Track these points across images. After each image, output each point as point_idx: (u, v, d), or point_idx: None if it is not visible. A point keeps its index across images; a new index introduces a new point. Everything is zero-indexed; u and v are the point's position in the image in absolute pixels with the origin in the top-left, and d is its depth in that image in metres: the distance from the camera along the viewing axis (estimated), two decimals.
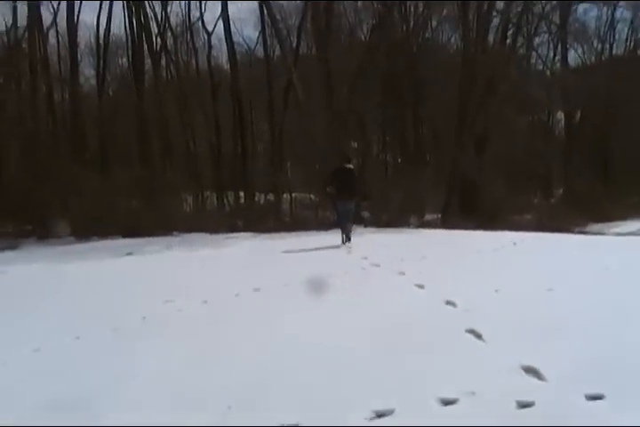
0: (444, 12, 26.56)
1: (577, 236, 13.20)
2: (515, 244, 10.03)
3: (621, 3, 30.09)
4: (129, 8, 24.49)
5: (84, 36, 27.59)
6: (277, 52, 26.30)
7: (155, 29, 25.92)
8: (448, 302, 5.32)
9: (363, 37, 27.63)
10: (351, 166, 11.24)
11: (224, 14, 24.91)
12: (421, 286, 6.11)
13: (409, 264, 7.63)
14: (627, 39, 31.56)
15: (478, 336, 4.33)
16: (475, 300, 5.36)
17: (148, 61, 25.73)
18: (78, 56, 25.28)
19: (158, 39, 26.33)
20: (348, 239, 10.73)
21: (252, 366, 3.91)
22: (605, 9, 30.91)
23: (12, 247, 14.38)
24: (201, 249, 11.66)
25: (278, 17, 23.75)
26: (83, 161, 20.83)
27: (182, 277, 7.69)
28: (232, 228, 16.83)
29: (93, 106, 25.84)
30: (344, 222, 11.03)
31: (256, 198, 24.16)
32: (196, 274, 7.88)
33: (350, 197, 10.85)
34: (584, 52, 32.57)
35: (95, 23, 25.79)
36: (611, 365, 3.63)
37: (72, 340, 4.77)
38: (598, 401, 3.16)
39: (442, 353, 4.01)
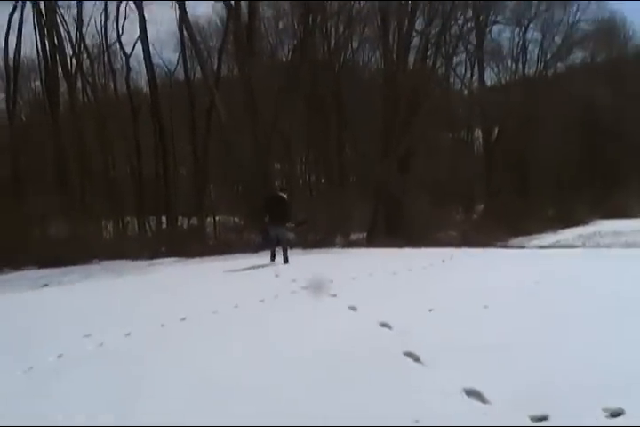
0: (365, 32, 26.97)
1: (501, 250, 13.48)
2: (443, 261, 10.07)
3: (531, 25, 31.77)
4: (40, 28, 23.52)
5: None
6: (198, 74, 25.95)
7: (69, 51, 25.08)
8: (383, 325, 5.18)
9: (284, 59, 27.71)
10: (284, 195, 11.77)
11: (142, 35, 24.33)
12: (354, 308, 5.95)
13: (339, 286, 7.46)
14: (537, 59, 33.04)
15: (416, 359, 4.21)
16: (410, 320, 5.25)
17: (63, 84, 24.79)
18: None
19: (73, 60, 25.45)
20: (286, 260, 11.20)
21: (173, 412, 3.58)
22: (517, 30, 32.41)
23: None
24: (123, 277, 11.22)
25: (198, 38, 23.49)
26: None
27: (103, 307, 7.24)
28: (155, 253, 16.32)
29: (4, 131, 24.68)
30: (272, 243, 11.46)
31: (179, 222, 23.64)
32: (118, 304, 7.46)
33: (282, 222, 11.23)
34: (499, 72, 33.96)
35: (3, 43, 24.74)
36: (555, 384, 3.56)
37: None
38: (544, 422, 3.09)
39: (380, 381, 3.84)
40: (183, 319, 5.98)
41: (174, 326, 5.78)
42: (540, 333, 4.67)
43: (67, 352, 5.03)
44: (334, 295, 6.80)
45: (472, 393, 3.51)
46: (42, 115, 25.32)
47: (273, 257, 11.34)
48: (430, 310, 5.65)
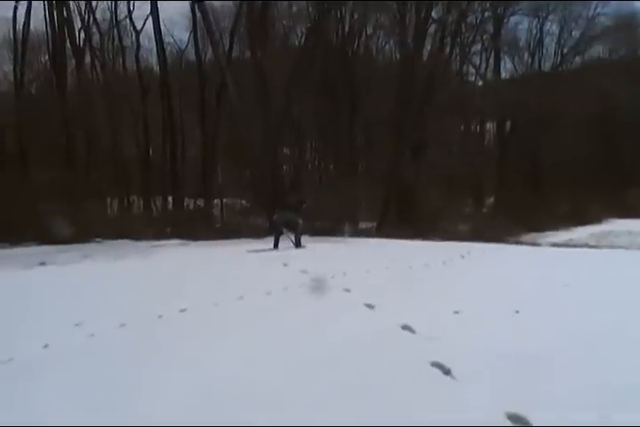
0: (381, 18, 26.23)
1: (518, 247, 12.85)
2: (462, 256, 9.46)
3: (550, 17, 30.88)
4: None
5: (2, 29, 25.88)
6: (209, 55, 25.30)
7: (78, 24, 24.46)
8: (405, 327, 4.59)
9: (297, 43, 27.01)
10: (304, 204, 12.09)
11: (154, 12, 23.73)
12: (371, 306, 5.36)
13: (353, 279, 6.90)
14: (554, 53, 32.32)
15: (446, 372, 3.61)
16: (434, 324, 4.67)
17: (72, 62, 24.13)
18: None
19: (82, 34, 24.82)
20: (298, 244, 11.42)
21: (165, 417, 3.04)
22: (535, 23, 31.57)
23: None
24: (123, 259, 10.63)
25: (211, 18, 22.81)
26: None
27: (99, 292, 6.67)
28: (159, 234, 15.85)
29: (12, 104, 24.07)
30: (278, 229, 11.68)
31: (185, 204, 23.15)
32: (114, 289, 6.87)
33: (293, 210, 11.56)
34: (514, 64, 33.13)
35: (12, 16, 24.09)
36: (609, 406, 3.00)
37: None
38: None
39: (405, 395, 3.26)
40: (183, 311, 5.40)
41: (172, 317, 5.19)
42: (588, 348, 4.08)
43: (53, 342, 4.43)
44: (348, 290, 6.21)
45: (516, 419, 2.95)
46: (49, 89, 24.66)
47: (276, 244, 11.32)
48: (456, 313, 5.06)
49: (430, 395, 3.29)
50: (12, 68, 25.13)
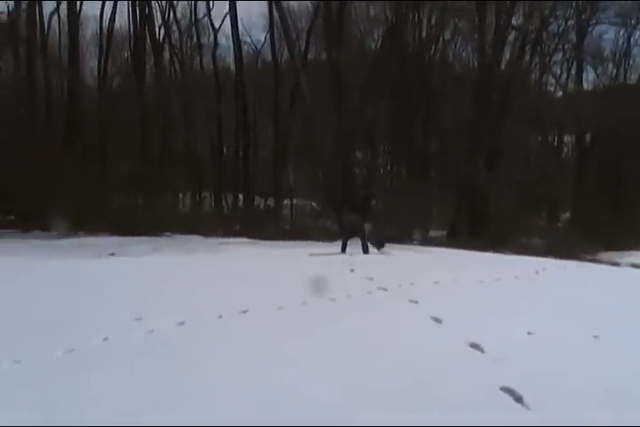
0: (459, 23, 25.64)
1: (596, 265, 12.14)
2: (537, 272, 8.99)
3: (639, 26, 29.33)
4: None
5: (90, 26, 26.87)
6: (285, 55, 25.41)
7: (159, 21, 25.16)
8: (473, 345, 4.31)
9: (373, 46, 26.76)
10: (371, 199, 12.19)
11: (232, 11, 24.06)
12: (438, 320, 5.09)
13: (421, 290, 6.64)
14: None
15: (518, 399, 3.31)
16: (504, 344, 4.37)
17: (151, 59, 24.74)
18: (80, 45, 24.38)
19: (162, 31, 25.47)
20: (365, 250, 11.16)
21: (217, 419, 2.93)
22: (622, 32, 30.13)
23: None
24: (191, 254, 10.71)
25: (288, 18, 22.89)
26: (77, 153, 19.80)
27: (163, 287, 6.66)
28: (229, 232, 15.95)
29: (95, 97, 24.87)
30: (348, 233, 11.50)
31: (255, 202, 23.31)
32: (179, 285, 6.87)
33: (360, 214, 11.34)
34: (597, 76, 31.69)
35: (99, 13, 24.98)
36: None
37: (10, 364, 3.72)
38: None
39: (474, 420, 3.00)
40: (244, 312, 5.28)
41: (233, 318, 5.10)
42: None
43: (113, 336, 4.42)
44: (415, 302, 5.94)
45: None
46: (129, 85, 25.35)
47: (344, 248, 11.18)
48: (529, 333, 4.71)
49: (498, 422, 3.01)
50: (97, 63, 26.06)
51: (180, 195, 23.98)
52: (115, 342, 4.31)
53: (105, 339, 4.36)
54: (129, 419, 2.91)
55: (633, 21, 29.02)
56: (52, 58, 24.17)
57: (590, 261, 14.02)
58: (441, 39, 27.09)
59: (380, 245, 11.72)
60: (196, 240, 14.03)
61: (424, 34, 25.54)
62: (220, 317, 5.10)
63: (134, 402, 3.15)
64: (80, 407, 3.06)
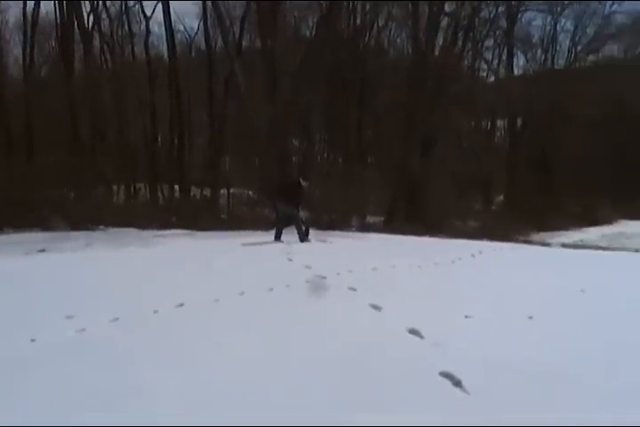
0: (393, 10, 25.81)
1: (530, 247, 12.47)
2: (473, 255, 9.13)
3: (564, 13, 30.24)
4: None
5: (13, 12, 25.78)
6: (219, 43, 25.02)
7: (87, 8, 24.24)
8: (412, 331, 4.33)
9: (308, 34, 26.65)
10: (303, 183, 11.56)
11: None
12: (377, 308, 5.08)
13: (359, 277, 6.62)
14: (568, 51, 31.78)
15: (457, 383, 3.34)
16: (443, 329, 4.41)
17: (80, 48, 23.83)
18: (2, 32, 23.39)
19: (91, 17, 24.58)
20: (302, 239, 11.05)
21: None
22: (549, 19, 31.00)
23: None
24: (125, 248, 10.39)
25: (222, 6, 22.48)
26: (2, 145, 18.98)
27: (95, 283, 6.41)
28: (165, 224, 15.63)
29: (21, 88, 23.85)
30: (281, 222, 11.41)
31: (192, 193, 22.93)
32: (113, 280, 6.62)
33: (292, 202, 11.17)
34: (527, 61, 32.59)
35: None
36: None
37: None
38: None
39: (412, 406, 3.02)
40: (180, 306, 5.15)
41: (169, 313, 4.94)
42: (608, 359, 3.81)
43: (41, 337, 4.20)
44: (354, 289, 5.93)
45: None
46: (57, 74, 24.42)
47: (277, 236, 11.23)
48: (466, 317, 4.78)
49: (438, 407, 3.05)
50: (21, 51, 24.95)
51: (114, 187, 23.31)
52: (43, 343, 4.10)
53: (32, 340, 4.16)
54: (57, 419, 2.79)
55: (559, 8, 29.94)
56: None
57: (524, 242, 14.39)
58: (375, 26, 27.32)
59: (304, 235, 11.24)
60: (131, 233, 13.65)
61: (358, 21, 25.66)
62: (156, 312, 4.95)
63: (63, 402, 3.02)
64: (5, 409, 2.94)
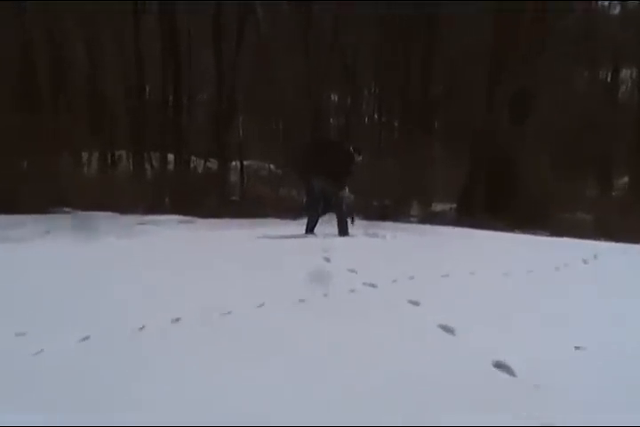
0: None
1: None
2: (585, 261, 8.98)
3: None
4: None
5: None
6: None
7: None
8: (499, 365, 4.24)
9: None
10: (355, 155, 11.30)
11: None
12: (450, 330, 5.04)
13: (424, 287, 6.63)
14: None
15: None
16: (543, 363, 4.31)
17: None
18: None
19: None
20: (343, 232, 11.13)
21: None
22: None
23: None
24: (100, 239, 10.44)
25: None
26: None
27: (56, 291, 6.39)
28: (154, 207, 15.88)
29: None
30: (315, 208, 11.40)
31: (192, 165, 23.12)
32: (80, 284, 6.67)
33: (336, 179, 10.99)
34: None
35: None
36: None
37: None
38: None
39: None
40: (176, 321, 5.16)
41: (160, 330, 4.94)
42: None
43: None
44: (416, 303, 5.90)
45: None
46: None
47: (310, 228, 11.29)
48: (577, 348, 4.68)
49: None
50: None
51: (84, 154, 23.57)
52: None
53: None
54: None
55: None
56: None
57: None
58: None
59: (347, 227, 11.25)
60: (107, 219, 13.91)
61: None
62: (142, 328, 4.96)
63: None
64: None
